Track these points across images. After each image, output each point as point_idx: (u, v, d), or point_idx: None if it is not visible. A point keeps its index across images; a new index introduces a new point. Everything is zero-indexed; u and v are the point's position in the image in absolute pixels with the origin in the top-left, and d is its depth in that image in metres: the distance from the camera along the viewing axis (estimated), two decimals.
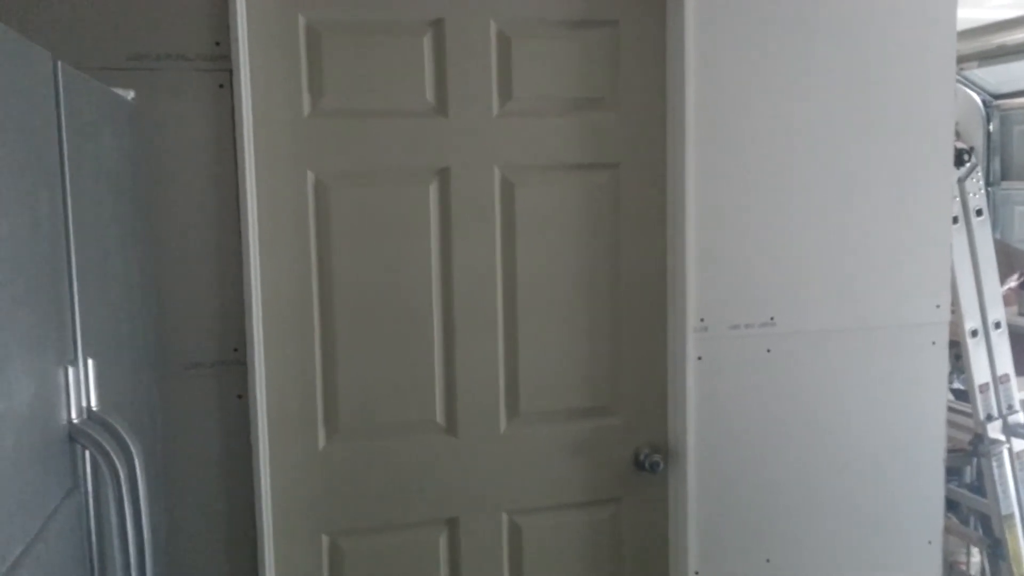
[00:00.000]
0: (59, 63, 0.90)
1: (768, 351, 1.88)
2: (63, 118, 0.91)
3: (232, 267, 1.61)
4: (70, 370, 0.90)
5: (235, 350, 1.63)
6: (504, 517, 1.85)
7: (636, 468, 1.90)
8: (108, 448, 0.91)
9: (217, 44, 1.57)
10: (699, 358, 1.84)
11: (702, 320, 1.84)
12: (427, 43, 1.71)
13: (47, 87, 0.87)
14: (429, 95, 1.73)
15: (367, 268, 1.72)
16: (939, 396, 2.00)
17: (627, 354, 1.88)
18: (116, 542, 0.93)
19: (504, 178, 1.78)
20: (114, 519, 0.93)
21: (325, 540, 1.75)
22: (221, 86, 1.57)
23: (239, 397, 1.64)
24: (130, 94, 1.35)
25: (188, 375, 1.62)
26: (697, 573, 1.88)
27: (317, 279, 1.70)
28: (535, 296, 1.82)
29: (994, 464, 2.43)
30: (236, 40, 1.56)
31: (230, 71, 1.57)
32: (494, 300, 1.80)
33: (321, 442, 1.73)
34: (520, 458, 1.84)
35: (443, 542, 1.83)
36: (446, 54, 1.72)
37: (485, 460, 1.82)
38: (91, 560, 0.95)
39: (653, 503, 1.92)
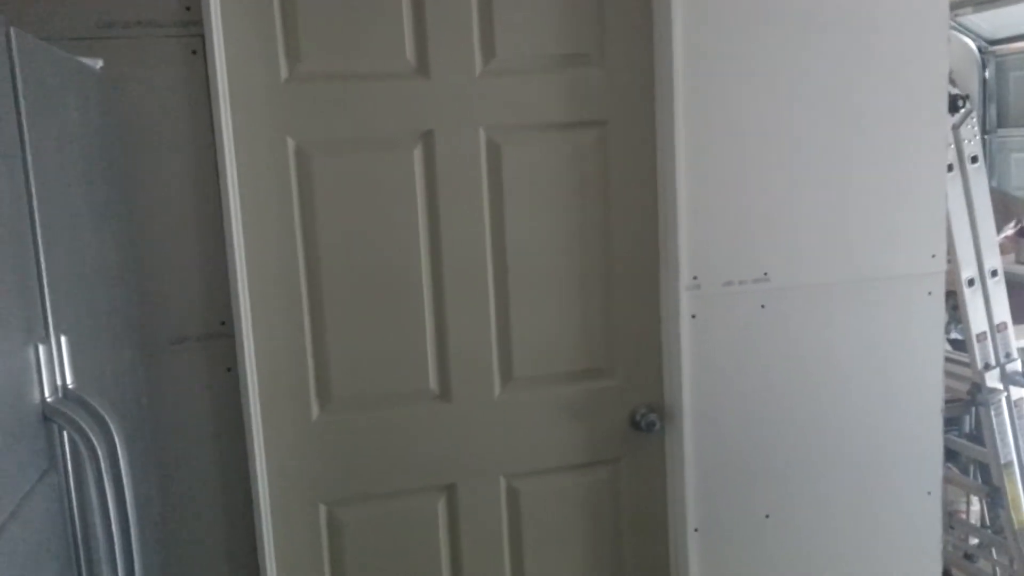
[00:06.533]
0: (12, 29, 0.86)
1: (762, 307, 1.86)
2: (19, 87, 0.87)
3: (215, 239, 1.59)
4: (40, 348, 0.87)
5: (222, 323, 1.61)
6: (502, 481, 1.84)
7: (633, 428, 1.89)
8: (85, 426, 0.89)
9: (188, 9, 1.52)
10: (693, 316, 1.82)
11: (695, 278, 1.81)
12: (406, 1, 1.66)
13: None
14: (410, 56, 1.68)
15: (353, 234, 1.69)
16: (936, 346, 1.98)
17: (620, 314, 1.86)
18: (98, 521, 0.92)
19: (490, 139, 1.74)
20: (95, 498, 0.91)
21: (323, 510, 1.75)
22: (194, 52, 1.53)
23: (228, 370, 1.62)
24: (98, 63, 1.31)
25: (175, 350, 1.60)
26: (696, 530, 1.88)
27: (303, 248, 1.67)
28: (525, 258, 1.79)
29: (992, 413, 2.42)
30: (208, 4, 1.51)
31: (202, 37, 1.52)
32: (484, 263, 1.77)
33: (314, 412, 1.72)
34: (516, 422, 1.83)
35: (441, 508, 1.82)
36: (425, 12, 1.67)
37: (481, 425, 1.81)
38: (74, 540, 0.93)
39: (651, 463, 1.91)
